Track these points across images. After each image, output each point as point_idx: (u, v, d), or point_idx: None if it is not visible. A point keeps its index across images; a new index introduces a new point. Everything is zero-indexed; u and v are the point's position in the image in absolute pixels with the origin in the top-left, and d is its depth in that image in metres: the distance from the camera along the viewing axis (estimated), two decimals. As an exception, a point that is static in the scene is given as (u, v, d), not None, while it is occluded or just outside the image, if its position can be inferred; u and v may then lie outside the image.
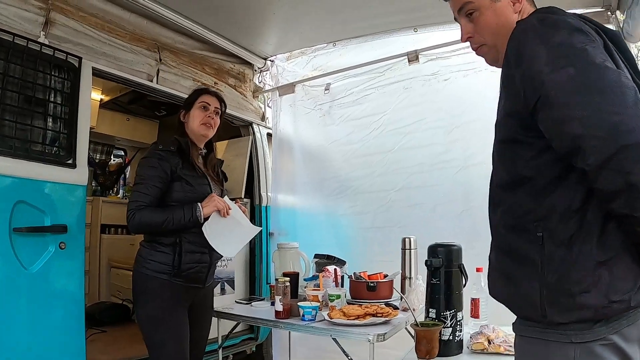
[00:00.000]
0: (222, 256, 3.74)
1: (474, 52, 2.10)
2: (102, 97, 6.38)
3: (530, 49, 1.66)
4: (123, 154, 8.54)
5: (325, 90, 5.30)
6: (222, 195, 3.63)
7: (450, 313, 3.01)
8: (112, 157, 8.35)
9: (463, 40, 2.08)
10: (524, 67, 1.66)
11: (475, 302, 3.40)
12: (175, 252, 3.31)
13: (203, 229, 3.33)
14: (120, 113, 7.29)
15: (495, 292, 1.95)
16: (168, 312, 3.28)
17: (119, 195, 8.32)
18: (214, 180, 3.69)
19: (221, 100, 3.78)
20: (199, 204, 3.34)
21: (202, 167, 3.64)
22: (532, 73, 1.63)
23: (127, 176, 8.58)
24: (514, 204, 1.80)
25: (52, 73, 3.50)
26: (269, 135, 5.78)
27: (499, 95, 1.90)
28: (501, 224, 1.87)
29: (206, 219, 3.35)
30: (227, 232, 3.49)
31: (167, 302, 3.28)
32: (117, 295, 6.77)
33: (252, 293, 5.28)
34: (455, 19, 2.09)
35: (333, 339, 3.30)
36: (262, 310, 3.96)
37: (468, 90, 4.46)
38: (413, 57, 4.75)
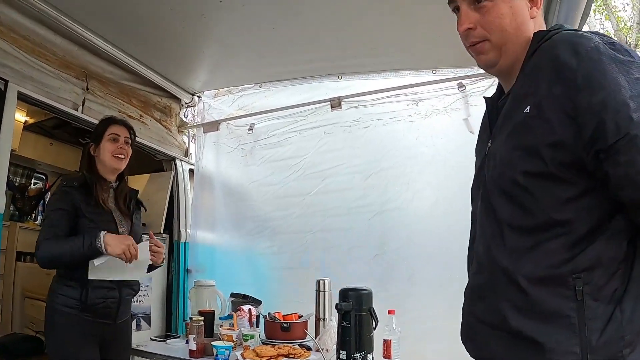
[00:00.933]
0: (135, 293, 3.66)
1: (467, 47, 1.85)
2: (27, 119, 6.23)
3: (611, 76, 1.41)
4: (44, 178, 8.35)
5: (249, 130, 5.34)
6: (133, 229, 3.60)
7: (360, 355, 3.08)
8: (32, 181, 8.18)
9: (461, 30, 1.81)
10: (603, 95, 1.40)
11: (387, 344, 3.47)
12: (83, 286, 3.22)
13: (90, 262, 3.18)
14: (44, 137, 7.14)
15: (495, 354, 1.67)
16: (76, 348, 3.20)
17: (37, 222, 8.12)
18: (123, 214, 3.61)
19: (129, 128, 3.73)
20: (102, 232, 3.18)
21: (109, 203, 3.55)
22: (617, 105, 1.38)
23: (46, 202, 8.40)
24: (542, 252, 1.54)
25: None
26: (191, 171, 5.75)
27: (503, 119, 1.73)
28: (521, 273, 1.56)
29: None
30: (115, 272, 3.35)
31: (76, 337, 3.21)
32: (30, 327, 6.55)
33: (169, 330, 5.19)
34: (453, 9, 1.87)
35: (245, 379, 3.28)
36: (177, 348, 3.94)
37: (387, 139, 4.60)
38: (336, 103, 4.86)
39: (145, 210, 3.93)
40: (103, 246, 3.14)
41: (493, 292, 1.67)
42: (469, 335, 1.81)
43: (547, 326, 1.50)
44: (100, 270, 3.22)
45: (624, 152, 1.36)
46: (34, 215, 8.18)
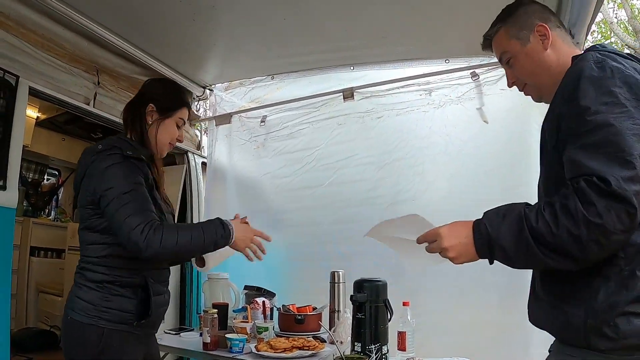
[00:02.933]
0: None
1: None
2: (39, 115, 6.28)
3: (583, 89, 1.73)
4: (57, 174, 8.41)
5: (261, 122, 5.34)
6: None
7: (375, 347, 3.08)
8: (45, 177, 8.22)
9: (509, 86, 2.27)
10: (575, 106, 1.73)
11: (402, 336, 3.43)
12: (144, 293, 2.57)
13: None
14: (56, 133, 7.20)
15: None
16: None
17: (50, 217, 8.16)
18: (167, 205, 2.91)
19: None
20: (228, 221, 2.62)
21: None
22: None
23: (59, 197, 8.44)
24: None
25: None
26: (204, 164, 5.78)
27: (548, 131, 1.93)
28: None
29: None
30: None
31: (130, 358, 2.57)
32: (44, 322, 6.61)
33: (182, 323, 5.22)
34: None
35: (260, 371, 3.27)
36: (190, 341, 3.91)
37: (400, 129, 4.58)
38: (348, 94, 4.83)
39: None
40: (233, 237, 2.61)
41: None
42: None
43: None
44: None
45: None
46: (47, 210, 8.24)
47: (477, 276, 3.78)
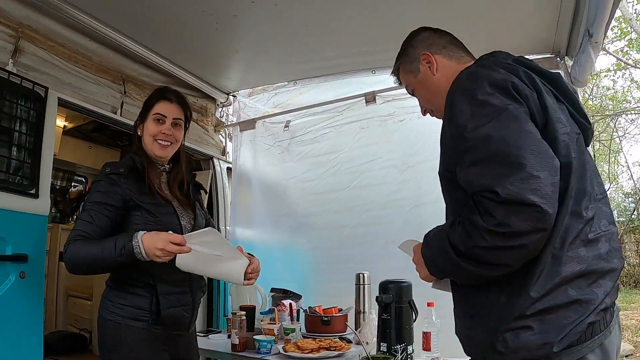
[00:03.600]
0: (204, 294, 3.14)
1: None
2: (66, 124, 6.35)
3: (458, 106, 1.82)
4: (84, 181, 8.50)
5: (285, 127, 5.38)
6: (196, 222, 2.98)
7: (400, 347, 3.12)
8: (72, 184, 8.32)
9: (423, 114, 2.42)
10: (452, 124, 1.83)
11: (426, 336, 3.48)
12: (151, 293, 2.68)
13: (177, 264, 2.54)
14: (82, 140, 7.28)
15: None
16: None
17: (78, 223, 8.26)
18: (182, 204, 3.00)
19: (185, 107, 3.08)
20: (139, 233, 2.50)
21: (164, 191, 2.94)
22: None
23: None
24: None
25: (19, 102, 3.42)
26: (229, 169, 5.82)
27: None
28: None
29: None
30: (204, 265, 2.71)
31: (146, 355, 2.66)
32: (74, 325, 6.71)
33: (210, 325, 5.26)
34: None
35: (287, 371, 3.31)
36: (219, 342, 3.99)
37: (422, 131, 4.55)
38: (370, 98, 4.87)
39: (206, 193, 3.54)
40: (142, 250, 2.46)
41: None
42: None
43: None
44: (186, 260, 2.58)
45: None
46: (75, 216, 8.32)
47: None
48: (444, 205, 2.12)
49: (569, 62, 4.19)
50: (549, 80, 1.96)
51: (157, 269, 2.62)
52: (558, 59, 4.26)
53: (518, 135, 1.64)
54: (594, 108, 17.54)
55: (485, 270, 1.69)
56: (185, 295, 2.84)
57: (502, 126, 1.66)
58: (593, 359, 1.67)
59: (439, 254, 1.83)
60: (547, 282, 1.65)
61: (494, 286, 1.76)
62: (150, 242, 2.46)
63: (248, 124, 5.64)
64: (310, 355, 3.26)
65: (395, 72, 2.49)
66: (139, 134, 3.02)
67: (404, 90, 4.67)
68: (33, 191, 3.41)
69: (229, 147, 5.94)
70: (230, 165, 5.83)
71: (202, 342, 3.94)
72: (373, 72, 4.90)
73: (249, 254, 2.95)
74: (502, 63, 1.94)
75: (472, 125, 1.72)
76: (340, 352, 3.34)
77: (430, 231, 1.96)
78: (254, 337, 3.59)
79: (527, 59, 2.05)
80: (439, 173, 2.06)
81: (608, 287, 1.71)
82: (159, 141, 2.92)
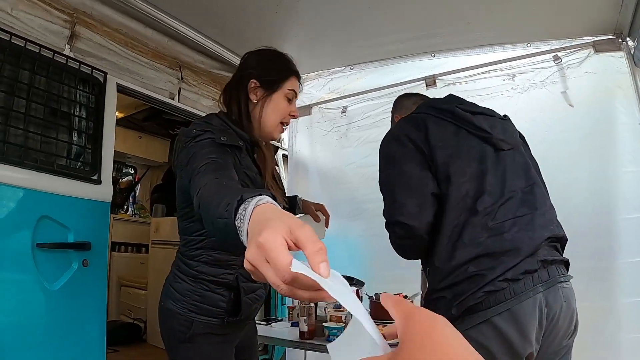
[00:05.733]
0: None
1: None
2: (117, 113, 6.41)
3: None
4: (133, 171, 8.56)
5: (342, 112, 5.34)
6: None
7: (467, 332, 3.05)
8: (122, 174, 8.37)
9: None
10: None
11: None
12: (235, 294, 2.43)
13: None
14: (132, 130, 7.33)
15: None
16: (217, 356, 2.45)
17: (128, 213, 8.31)
18: (277, 194, 2.59)
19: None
20: (259, 198, 1.29)
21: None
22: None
23: (137, 194, 8.59)
24: None
25: (78, 87, 3.43)
26: (285, 156, 5.81)
27: None
28: None
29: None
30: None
31: (217, 345, 2.44)
32: (127, 314, 6.77)
33: (267, 314, 5.26)
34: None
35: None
36: (282, 330, 3.96)
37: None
38: (430, 81, 4.81)
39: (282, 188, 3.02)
40: (246, 224, 1.25)
41: None
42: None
43: None
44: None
45: None
46: (125, 206, 8.38)
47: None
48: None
49: (632, 44, 4.06)
50: (447, 114, 2.57)
51: (243, 267, 2.14)
52: (620, 40, 4.14)
53: (398, 182, 2.43)
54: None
55: (400, 254, 2.61)
56: (261, 290, 2.59)
57: (388, 176, 2.52)
58: (499, 321, 2.08)
59: None
60: (448, 264, 2.24)
61: (427, 268, 2.50)
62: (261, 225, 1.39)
63: (304, 110, 5.60)
64: (383, 341, 3.18)
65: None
66: (254, 101, 2.48)
67: (465, 73, 4.66)
68: (95, 177, 3.42)
69: (285, 133, 5.89)
70: (286, 153, 5.82)
71: (264, 330, 3.93)
72: (433, 55, 4.82)
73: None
74: (411, 116, 2.69)
75: (380, 174, 2.59)
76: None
77: None
78: (324, 324, 3.58)
79: (439, 101, 2.79)
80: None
81: (510, 264, 2.12)
82: (284, 122, 2.55)
